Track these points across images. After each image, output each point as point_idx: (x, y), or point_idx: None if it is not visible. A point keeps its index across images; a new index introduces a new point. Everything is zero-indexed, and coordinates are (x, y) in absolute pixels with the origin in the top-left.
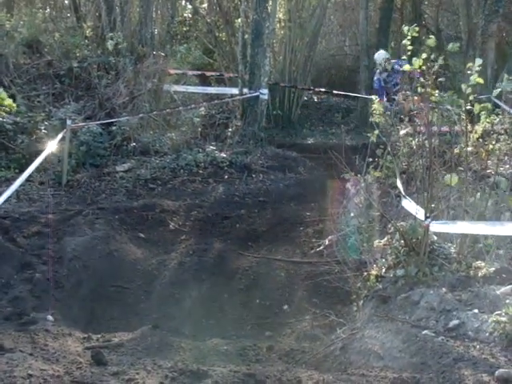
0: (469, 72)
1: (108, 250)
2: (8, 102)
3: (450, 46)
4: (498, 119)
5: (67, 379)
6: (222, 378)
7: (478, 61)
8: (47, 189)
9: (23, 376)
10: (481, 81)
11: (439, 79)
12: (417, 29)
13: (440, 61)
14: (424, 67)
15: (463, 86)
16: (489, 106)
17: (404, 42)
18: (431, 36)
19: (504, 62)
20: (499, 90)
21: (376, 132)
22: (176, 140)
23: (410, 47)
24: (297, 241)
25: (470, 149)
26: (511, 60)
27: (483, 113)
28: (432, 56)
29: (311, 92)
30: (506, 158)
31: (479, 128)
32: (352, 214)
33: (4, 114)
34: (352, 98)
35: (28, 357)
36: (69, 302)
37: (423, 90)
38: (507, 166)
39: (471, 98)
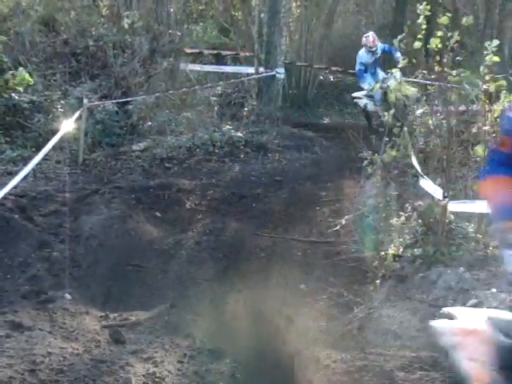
0: (485, 52)
1: (125, 228)
2: (26, 77)
3: (464, 19)
4: None
5: (86, 357)
6: (239, 357)
7: (495, 41)
8: (64, 167)
9: (43, 354)
10: (497, 59)
11: (457, 58)
12: (428, 7)
13: (455, 37)
14: (440, 46)
15: (482, 68)
16: (504, 83)
17: (419, 20)
18: (448, 15)
19: None
20: None
21: (391, 112)
22: (192, 119)
23: (424, 26)
24: (313, 220)
25: (487, 128)
26: None
27: (503, 92)
28: (449, 35)
29: (327, 71)
30: None
31: (498, 107)
32: (369, 194)
33: (21, 90)
34: None
35: (47, 335)
36: (86, 281)
37: (440, 69)
38: None
39: (487, 77)
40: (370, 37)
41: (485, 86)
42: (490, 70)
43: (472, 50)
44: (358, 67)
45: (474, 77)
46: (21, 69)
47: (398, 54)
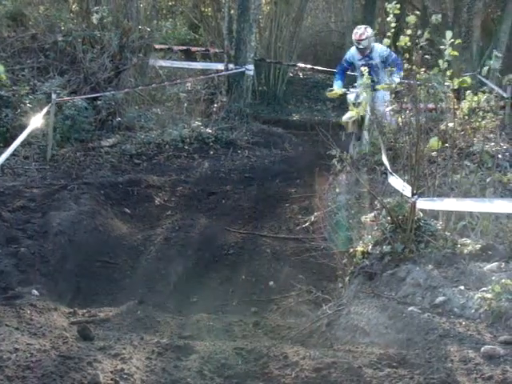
0: (442, 47)
1: (93, 224)
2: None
3: (433, 17)
4: (484, 97)
5: (54, 354)
6: (208, 354)
7: (449, 33)
8: (32, 163)
9: (9, 350)
10: (455, 53)
11: (425, 56)
12: (398, 6)
13: (426, 35)
14: (409, 44)
15: (440, 62)
16: (468, 80)
17: (388, 19)
18: (416, 13)
19: (489, 40)
20: (487, 67)
21: (356, 110)
22: (161, 115)
23: (393, 24)
24: (283, 217)
25: (454, 125)
26: (496, 37)
27: (468, 92)
28: (418, 33)
29: (297, 68)
30: (492, 135)
31: (465, 105)
32: (338, 191)
33: None
34: None
35: (14, 331)
36: (54, 277)
37: (409, 67)
38: (492, 144)
39: (448, 73)
40: (359, 30)
41: (447, 83)
42: (459, 68)
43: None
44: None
45: (442, 75)
46: None
47: (397, 78)
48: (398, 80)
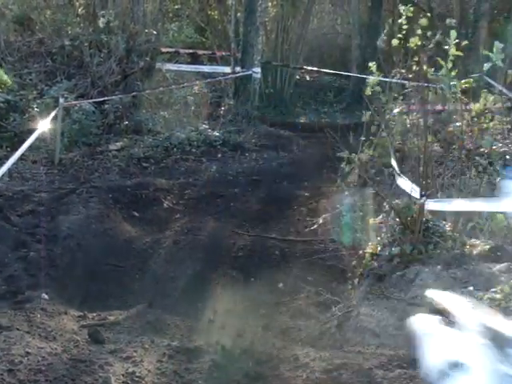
0: (446, 47)
1: (102, 228)
2: (4, 78)
3: (448, 20)
4: (492, 98)
5: (65, 357)
6: (218, 356)
7: (453, 33)
8: (40, 167)
9: (21, 354)
10: (459, 53)
11: (432, 57)
12: (412, 9)
13: (438, 37)
14: (419, 43)
15: (442, 62)
16: (470, 81)
17: (400, 20)
18: (427, 14)
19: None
20: (490, 64)
21: (369, 112)
22: (169, 119)
23: (405, 26)
24: (291, 219)
25: (462, 127)
26: (502, 39)
27: (483, 91)
28: (429, 34)
29: (303, 71)
30: (499, 136)
31: (475, 107)
32: (346, 193)
33: None
34: (344, 76)
35: (25, 335)
36: (63, 281)
37: (417, 68)
38: (500, 145)
39: (453, 73)
40: None
41: (452, 83)
42: (457, 66)
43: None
44: None
45: (451, 76)
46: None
47: None
48: None
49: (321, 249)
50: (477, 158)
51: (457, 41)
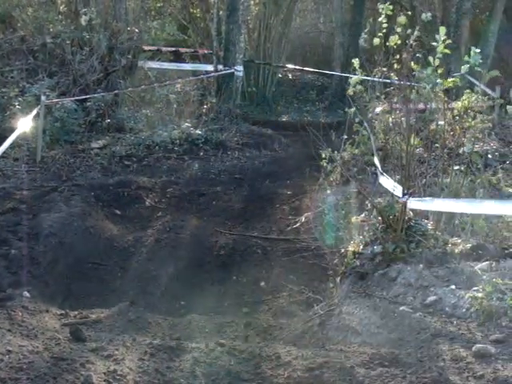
0: (434, 43)
1: (84, 226)
2: None
3: (423, 15)
4: (474, 97)
5: (47, 355)
6: (200, 354)
7: (443, 29)
8: (22, 165)
9: (2, 352)
10: (447, 51)
11: (416, 55)
12: (391, 7)
13: (416, 33)
14: (399, 42)
15: (430, 58)
16: (457, 80)
17: (380, 19)
18: (407, 13)
19: (478, 40)
20: (468, 66)
21: (352, 109)
22: (151, 117)
23: (385, 24)
24: (273, 218)
25: (444, 125)
26: (485, 38)
27: (467, 91)
28: (408, 31)
29: (286, 69)
30: (481, 135)
31: (458, 105)
32: (328, 191)
33: None
34: (326, 75)
35: (6, 333)
36: (45, 279)
37: (399, 67)
38: (482, 144)
39: (440, 71)
40: None
41: (438, 81)
42: (445, 67)
43: (429, 47)
44: None
45: (434, 75)
46: None
47: None
48: None
49: (303, 247)
50: (458, 156)
51: (445, 37)
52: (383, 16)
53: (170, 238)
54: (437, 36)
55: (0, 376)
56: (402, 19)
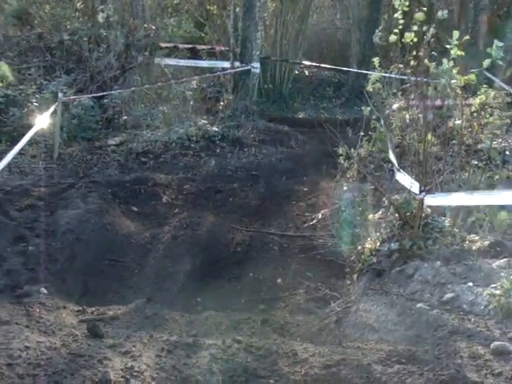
0: (448, 46)
1: (101, 223)
2: (6, 73)
3: (439, 13)
4: (492, 93)
5: (64, 351)
6: (217, 351)
7: (456, 33)
8: (39, 162)
9: (20, 348)
10: (461, 53)
11: (432, 52)
12: (407, 3)
13: (432, 30)
14: (415, 40)
15: (444, 61)
16: (473, 77)
17: (396, 15)
18: (423, 9)
19: (496, 36)
20: (489, 60)
21: (368, 107)
22: (167, 113)
23: (401, 21)
24: (290, 215)
25: (462, 122)
26: (502, 34)
27: (484, 87)
28: (424, 28)
29: (302, 66)
30: (499, 132)
31: (476, 101)
32: (345, 188)
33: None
34: (343, 71)
35: (24, 329)
36: (62, 275)
37: (416, 63)
38: (500, 140)
39: (455, 71)
40: None
41: (453, 81)
42: (457, 61)
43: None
44: None
45: (451, 71)
46: (1, 63)
47: None
48: None
49: (320, 244)
50: (476, 153)
51: (457, 42)
52: (399, 12)
53: (186, 234)
54: (449, 39)
55: (18, 372)
56: (419, 15)
